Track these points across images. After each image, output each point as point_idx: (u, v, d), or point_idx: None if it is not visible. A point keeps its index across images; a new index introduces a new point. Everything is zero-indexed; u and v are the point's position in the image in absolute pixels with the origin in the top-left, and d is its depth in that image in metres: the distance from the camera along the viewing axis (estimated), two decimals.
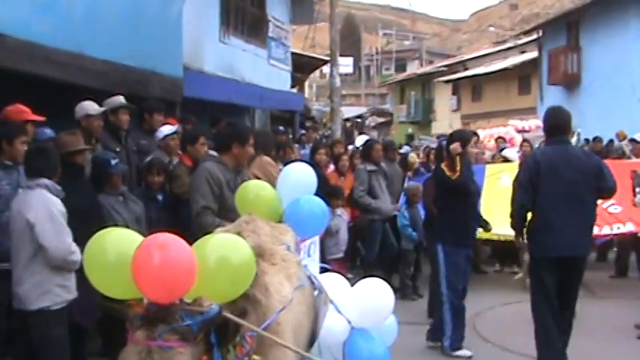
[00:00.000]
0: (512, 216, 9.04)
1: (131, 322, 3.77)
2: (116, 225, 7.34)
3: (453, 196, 10.12)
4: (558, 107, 9.53)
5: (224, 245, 4.21)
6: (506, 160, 16.83)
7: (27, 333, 7.31)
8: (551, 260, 8.83)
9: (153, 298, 3.73)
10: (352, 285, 6.92)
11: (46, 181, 7.32)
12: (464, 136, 10.47)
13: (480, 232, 13.85)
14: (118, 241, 3.98)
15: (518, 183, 9.01)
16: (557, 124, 9.01)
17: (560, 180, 8.64)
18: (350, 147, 18.10)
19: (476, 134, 16.81)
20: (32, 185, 7.30)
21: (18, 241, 7.22)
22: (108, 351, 8.76)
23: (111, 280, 3.91)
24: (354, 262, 14.98)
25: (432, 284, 11.74)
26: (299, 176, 6.91)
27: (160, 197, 9.65)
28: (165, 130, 10.79)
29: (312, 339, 5.45)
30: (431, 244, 11.23)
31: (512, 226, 9.13)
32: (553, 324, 8.94)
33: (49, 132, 9.25)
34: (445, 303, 10.20)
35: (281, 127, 20.16)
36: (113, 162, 8.91)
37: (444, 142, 11.45)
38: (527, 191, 8.78)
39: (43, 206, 7.18)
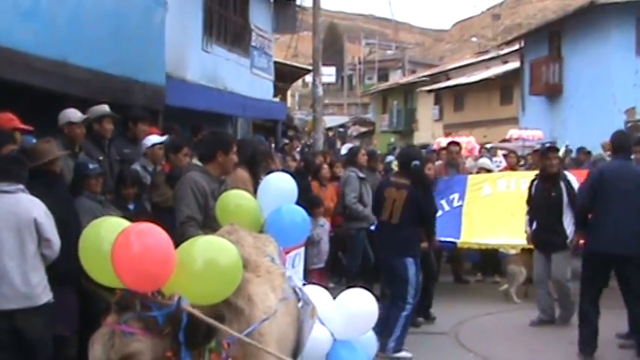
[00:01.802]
0: (575, 215, 11.13)
1: (112, 307, 3.91)
2: None
3: None
4: (622, 131, 11.86)
5: (212, 247, 4.25)
6: (486, 170, 16.82)
7: (20, 334, 7.34)
8: (602, 255, 10.07)
9: (128, 284, 3.84)
10: (334, 295, 6.91)
11: (23, 187, 7.48)
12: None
13: (462, 242, 13.96)
14: (112, 230, 4.03)
15: (581, 188, 10.89)
16: (622, 144, 10.46)
17: (618, 189, 10.01)
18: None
19: (457, 144, 16.98)
20: (14, 190, 7.39)
21: (19, 240, 7.31)
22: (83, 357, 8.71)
23: (103, 268, 3.96)
24: (335, 272, 14.93)
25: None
26: (279, 185, 6.91)
27: (131, 207, 9.57)
28: (154, 139, 10.77)
29: (296, 352, 5.42)
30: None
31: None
32: (594, 314, 10.26)
33: (32, 140, 9.23)
34: (407, 310, 10.39)
35: (261, 137, 20.15)
36: (91, 166, 8.94)
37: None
38: (588, 195, 10.29)
39: (40, 206, 7.45)
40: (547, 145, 13.51)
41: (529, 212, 12.38)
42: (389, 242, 10.58)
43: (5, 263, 7.24)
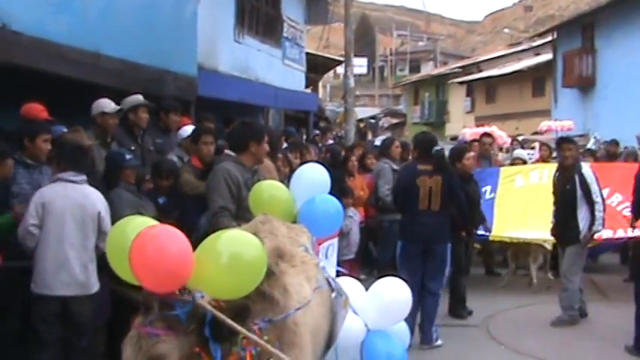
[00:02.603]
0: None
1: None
2: None
3: None
4: None
5: (236, 241, 4.23)
6: (522, 161, 16.72)
7: (71, 317, 7.67)
8: None
9: (146, 286, 3.87)
10: (365, 286, 6.89)
11: (85, 177, 7.71)
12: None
13: (494, 235, 13.86)
14: (138, 228, 4.03)
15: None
16: None
17: None
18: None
19: (490, 135, 16.87)
20: (79, 180, 7.66)
21: (82, 232, 7.61)
22: (111, 350, 8.80)
23: (128, 266, 3.96)
24: (366, 264, 14.89)
25: (452, 284, 11.96)
26: (313, 176, 6.88)
27: (160, 201, 9.57)
28: (189, 130, 10.76)
29: (330, 342, 5.42)
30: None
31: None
32: None
33: (61, 129, 9.29)
34: (441, 296, 10.64)
35: (292, 128, 20.13)
36: (128, 157, 9.02)
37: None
38: None
39: (103, 200, 7.78)
40: (561, 136, 13.14)
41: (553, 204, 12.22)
42: (433, 230, 10.48)
43: (67, 252, 7.52)
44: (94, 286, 7.73)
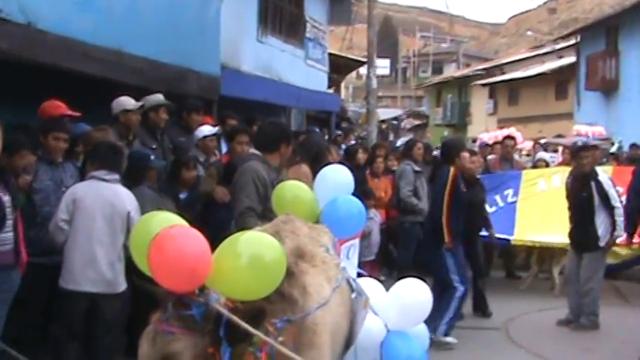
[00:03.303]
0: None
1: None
2: None
3: None
4: None
5: (256, 243, 4.24)
6: (545, 164, 16.67)
7: (97, 314, 7.77)
8: None
9: (164, 285, 3.89)
10: (385, 287, 6.87)
11: (117, 176, 7.86)
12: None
13: (516, 239, 13.80)
14: (162, 225, 4.06)
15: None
16: None
17: None
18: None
19: (513, 138, 16.79)
20: (112, 179, 7.82)
21: (111, 230, 7.73)
22: (132, 351, 8.84)
23: None
24: (386, 265, 14.88)
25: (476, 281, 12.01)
26: (336, 177, 6.87)
27: (182, 196, 9.65)
28: (206, 130, 10.81)
29: (349, 342, 5.41)
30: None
31: None
32: None
33: (86, 127, 9.34)
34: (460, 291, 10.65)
35: (316, 128, 20.14)
36: (152, 157, 9.20)
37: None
38: None
39: (134, 200, 7.90)
40: (580, 143, 13.00)
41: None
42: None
43: (95, 249, 7.63)
44: (121, 285, 7.82)
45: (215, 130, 11.03)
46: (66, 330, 7.80)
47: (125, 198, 7.87)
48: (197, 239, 3.88)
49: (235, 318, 3.88)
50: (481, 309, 12.28)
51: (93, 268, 7.62)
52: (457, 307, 10.60)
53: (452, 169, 10.74)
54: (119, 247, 7.77)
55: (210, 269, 3.92)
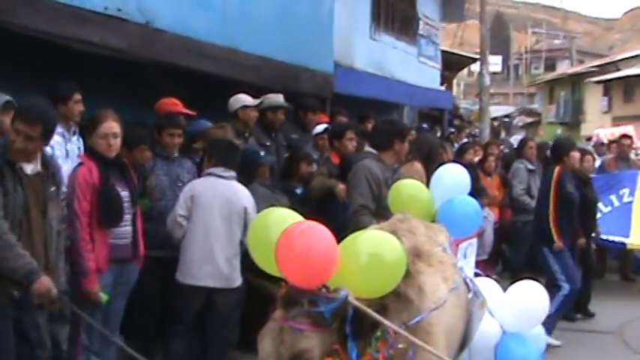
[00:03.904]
0: None
1: (277, 302, 3.98)
2: None
3: None
4: None
5: (377, 242, 4.23)
6: None
7: (213, 308, 7.94)
8: None
9: (292, 281, 3.90)
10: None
11: (234, 173, 8.01)
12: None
13: (631, 243, 13.46)
14: (279, 222, 4.09)
15: None
16: None
17: None
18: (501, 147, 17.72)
19: (629, 137, 16.47)
20: (228, 176, 7.96)
21: (229, 226, 7.86)
22: (245, 343, 8.95)
23: (269, 257, 4.00)
24: (499, 264, 14.75)
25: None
26: (453, 177, 6.82)
27: (298, 191, 9.74)
28: (319, 128, 10.90)
29: (464, 343, 5.36)
30: None
31: None
32: None
33: (206, 124, 9.50)
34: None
35: (424, 125, 20.04)
36: (262, 154, 9.40)
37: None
38: None
39: (250, 196, 8.03)
40: None
41: None
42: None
43: (213, 244, 7.77)
44: (237, 280, 7.94)
45: (325, 127, 11.08)
46: (181, 323, 7.96)
47: (242, 194, 7.99)
48: (326, 235, 3.90)
49: (374, 313, 3.90)
50: (582, 310, 12.05)
51: (211, 264, 7.75)
52: (560, 306, 10.37)
53: (557, 169, 10.60)
54: (236, 242, 7.89)
55: (336, 267, 3.92)
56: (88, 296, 6.75)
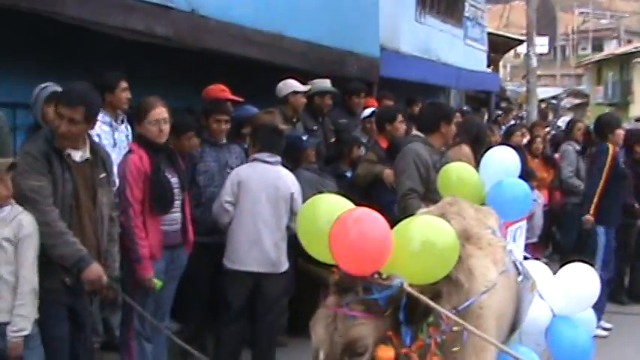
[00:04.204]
0: None
1: (329, 288, 3.95)
2: None
3: None
4: None
5: (430, 228, 4.19)
6: None
7: (261, 293, 7.97)
8: None
9: (346, 269, 3.85)
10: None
11: (279, 159, 8.04)
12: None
13: None
14: (330, 208, 4.07)
15: None
16: None
17: None
18: (547, 129, 17.65)
19: None
20: (273, 162, 7.98)
21: (276, 211, 7.91)
22: (294, 328, 9.00)
23: (319, 244, 3.97)
24: (551, 247, 14.69)
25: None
26: (502, 159, 6.78)
27: (348, 174, 9.76)
28: (366, 112, 10.91)
29: (515, 326, 5.34)
30: None
31: None
32: None
33: (252, 109, 9.53)
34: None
35: (465, 107, 19.89)
36: (304, 138, 9.48)
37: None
38: None
39: (296, 182, 8.09)
40: None
41: None
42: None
43: (260, 230, 7.82)
44: (284, 265, 7.98)
45: (372, 110, 11.08)
46: (231, 309, 7.99)
47: (288, 180, 8.03)
48: (380, 222, 3.87)
49: (430, 301, 3.88)
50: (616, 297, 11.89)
51: (258, 249, 7.79)
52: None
53: (611, 146, 10.47)
54: (283, 228, 7.93)
55: (390, 254, 3.91)
56: (142, 283, 6.84)
